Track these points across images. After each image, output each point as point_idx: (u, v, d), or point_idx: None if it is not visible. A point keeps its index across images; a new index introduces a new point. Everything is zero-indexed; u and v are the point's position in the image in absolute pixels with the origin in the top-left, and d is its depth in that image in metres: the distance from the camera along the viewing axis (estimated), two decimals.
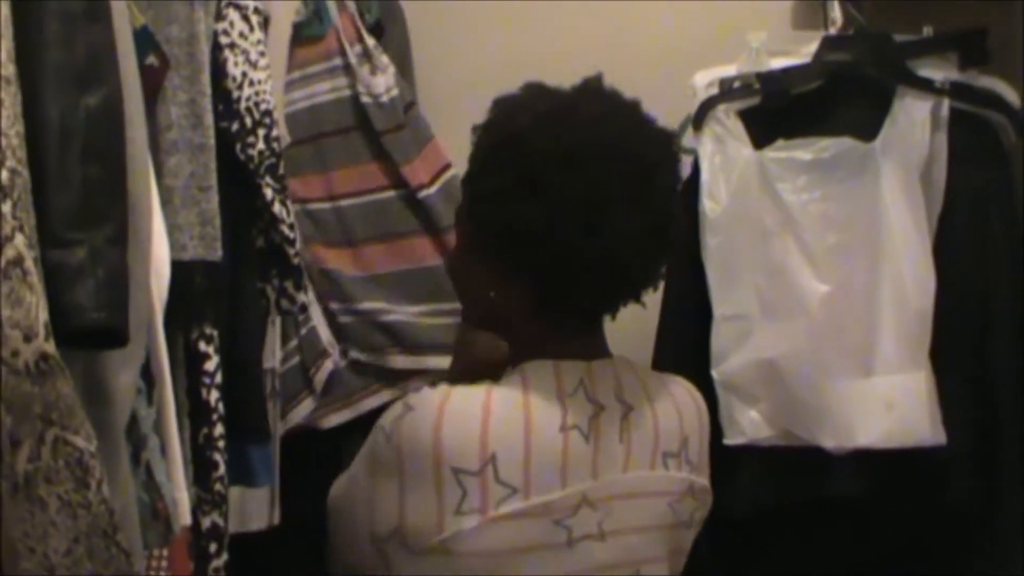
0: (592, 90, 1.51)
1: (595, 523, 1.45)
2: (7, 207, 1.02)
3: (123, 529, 1.11)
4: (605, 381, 1.49)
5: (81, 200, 1.10)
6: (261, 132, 1.66)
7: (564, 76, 2.43)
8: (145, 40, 1.40)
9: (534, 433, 1.41)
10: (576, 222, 1.39)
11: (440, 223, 2.10)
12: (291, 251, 1.69)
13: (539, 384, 1.44)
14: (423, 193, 2.10)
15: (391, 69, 2.10)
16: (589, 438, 1.44)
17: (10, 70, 1.05)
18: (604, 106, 1.48)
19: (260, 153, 1.65)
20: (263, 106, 1.65)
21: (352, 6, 2.13)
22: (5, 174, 1.02)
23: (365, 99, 2.10)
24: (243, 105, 1.63)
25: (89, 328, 1.09)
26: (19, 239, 1.02)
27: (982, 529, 1.96)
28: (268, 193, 1.66)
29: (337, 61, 2.10)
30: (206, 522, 1.57)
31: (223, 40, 1.60)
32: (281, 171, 1.68)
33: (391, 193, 2.11)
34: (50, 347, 1.04)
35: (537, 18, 2.53)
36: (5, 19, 1.05)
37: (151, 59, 1.41)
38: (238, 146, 1.64)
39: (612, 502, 1.46)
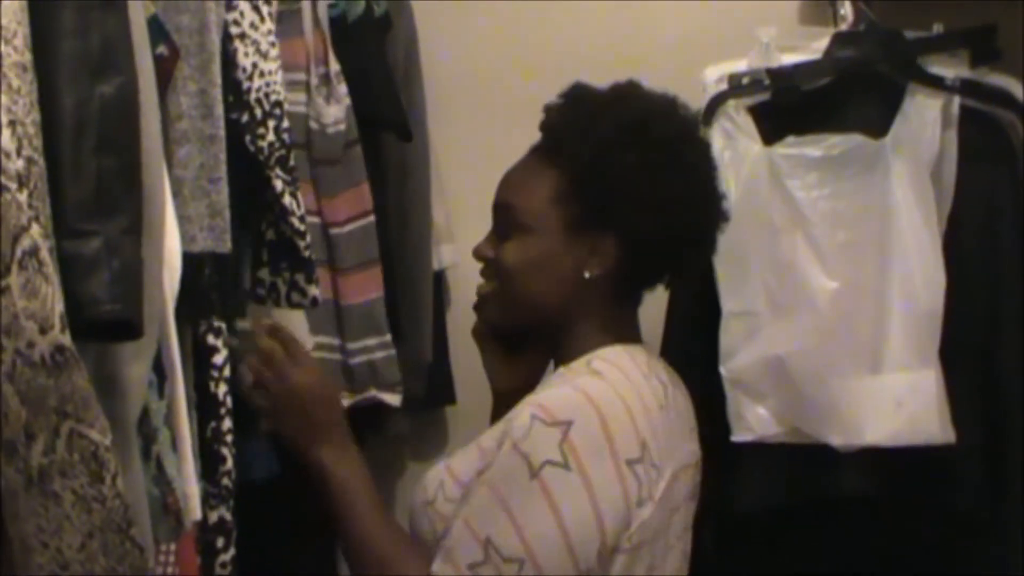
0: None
1: (680, 496, 1.55)
2: (23, 196, 1.00)
3: (136, 524, 1.10)
4: (656, 361, 1.61)
5: (96, 191, 1.09)
6: (271, 124, 1.64)
7: (573, 70, 2.42)
8: (156, 30, 1.38)
9: (651, 414, 1.50)
10: (702, 194, 1.59)
11: (340, 263, 2.08)
12: (302, 244, 1.67)
13: (629, 368, 1.53)
14: (333, 231, 2.07)
15: (345, 102, 2.06)
16: (668, 414, 1.55)
17: (26, 57, 1.03)
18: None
19: (270, 145, 1.63)
20: (273, 97, 1.64)
21: (325, 23, 2.09)
22: (21, 163, 1.01)
23: (312, 124, 2.05)
24: (253, 96, 1.61)
25: (103, 320, 1.08)
26: (35, 229, 1.01)
27: (989, 528, 1.95)
28: (278, 185, 1.64)
29: (300, 75, 2.04)
30: (213, 516, 1.56)
31: (233, 30, 1.59)
32: (291, 163, 1.67)
33: (314, 220, 2.06)
34: (66, 339, 1.03)
35: (546, 14, 2.52)
36: (21, 6, 1.04)
37: (161, 49, 1.40)
38: (247, 137, 1.62)
39: (681, 473, 1.55)
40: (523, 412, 1.45)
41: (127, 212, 1.12)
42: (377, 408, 2.20)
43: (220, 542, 1.57)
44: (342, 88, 2.08)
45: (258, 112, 1.62)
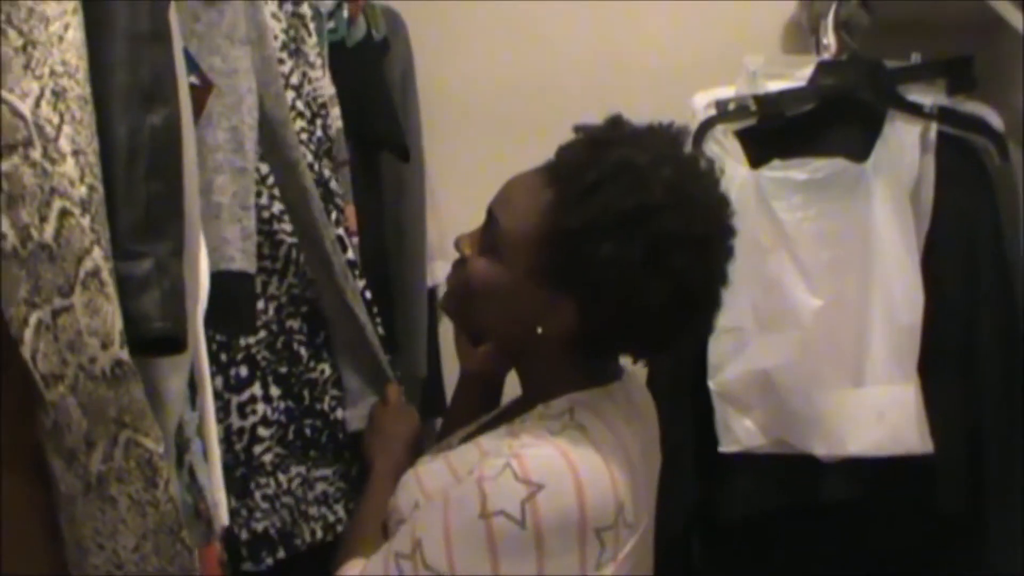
0: (698, 159, 1.53)
1: (647, 528, 1.50)
2: (86, 221, 1.07)
3: (186, 527, 1.16)
4: (632, 394, 1.56)
5: (146, 214, 1.14)
6: (319, 121, 1.84)
7: (565, 94, 2.50)
8: (187, 62, 1.45)
9: (634, 468, 1.45)
10: (680, 303, 1.42)
11: None
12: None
13: (612, 416, 1.47)
14: None
15: (337, 124, 2.07)
16: (645, 454, 1.50)
17: (87, 90, 1.10)
18: (716, 183, 1.51)
19: (318, 140, 1.83)
20: (320, 100, 1.84)
21: (325, 48, 2.12)
22: (85, 190, 1.07)
23: None
24: (303, 102, 1.79)
25: (154, 336, 1.14)
26: (97, 251, 1.07)
27: (969, 535, 2.02)
28: (326, 172, 1.82)
29: None
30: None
31: (291, 47, 1.78)
32: (334, 153, 1.88)
33: None
34: (124, 354, 1.09)
35: (537, 38, 2.60)
36: (81, 41, 1.11)
37: (192, 79, 1.47)
38: (303, 136, 1.80)
39: (651, 502, 1.53)
40: (500, 456, 1.39)
41: (173, 234, 1.18)
42: None
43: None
44: (335, 111, 2.15)
45: (307, 114, 1.80)
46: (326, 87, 1.88)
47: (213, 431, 1.41)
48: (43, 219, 1.05)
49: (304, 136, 1.79)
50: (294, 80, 1.78)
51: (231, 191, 1.56)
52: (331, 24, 2.15)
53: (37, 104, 1.06)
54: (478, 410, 1.73)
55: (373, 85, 2.24)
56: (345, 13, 2.15)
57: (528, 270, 1.47)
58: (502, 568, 1.34)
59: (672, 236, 1.39)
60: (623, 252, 1.38)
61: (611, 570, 1.40)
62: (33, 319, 1.06)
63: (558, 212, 1.44)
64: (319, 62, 1.83)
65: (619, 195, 1.40)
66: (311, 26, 1.82)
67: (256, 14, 1.67)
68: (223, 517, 1.42)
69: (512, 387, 1.74)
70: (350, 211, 2.11)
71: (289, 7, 1.81)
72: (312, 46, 1.82)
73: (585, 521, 1.36)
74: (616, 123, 1.51)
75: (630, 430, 1.48)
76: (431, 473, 1.52)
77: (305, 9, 1.84)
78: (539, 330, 1.47)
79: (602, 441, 1.43)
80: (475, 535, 1.35)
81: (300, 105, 1.79)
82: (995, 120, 2.08)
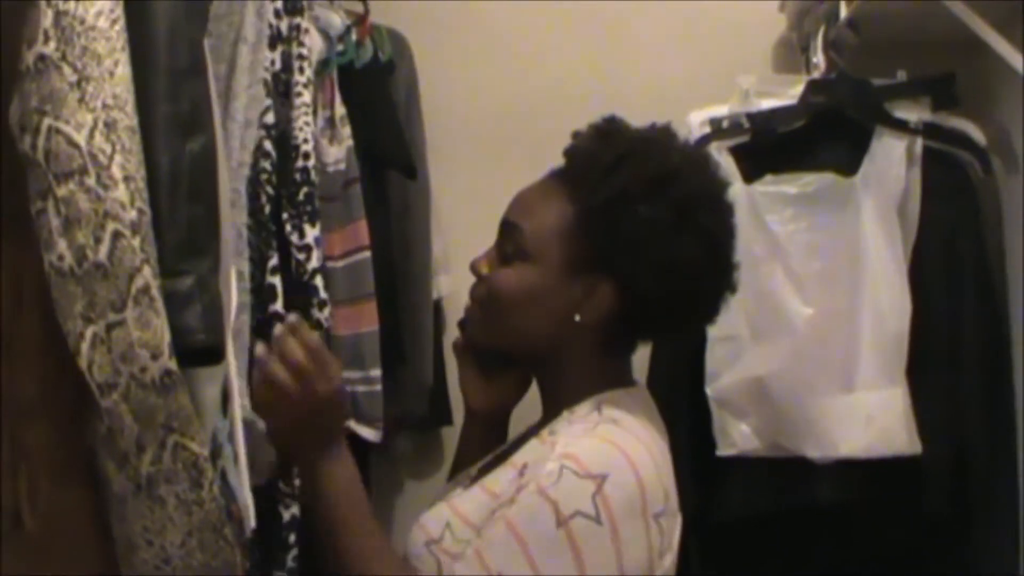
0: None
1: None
2: (137, 242, 1.16)
3: (228, 524, 1.25)
4: (647, 397, 1.63)
5: (188, 235, 1.23)
6: (289, 165, 1.86)
7: (562, 113, 2.55)
8: None
9: (667, 460, 1.52)
10: (711, 261, 1.54)
11: (332, 295, 2.08)
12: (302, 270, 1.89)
13: (641, 413, 1.53)
14: (328, 264, 2.11)
15: (347, 143, 2.16)
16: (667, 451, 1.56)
17: (135, 121, 1.18)
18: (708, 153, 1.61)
19: (289, 182, 1.85)
20: (292, 141, 1.86)
21: (334, 70, 2.20)
22: (135, 213, 1.16)
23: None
24: (272, 142, 1.79)
25: (197, 347, 1.23)
26: (147, 270, 1.16)
27: (957, 536, 2.10)
28: (283, 215, 1.86)
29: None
30: (287, 515, 1.74)
31: (272, 86, 1.79)
32: (301, 198, 1.87)
33: None
34: (173, 364, 1.17)
35: (536, 60, 2.66)
36: (129, 76, 1.19)
37: None
38: (263, 176, 1.79)
39: None
40: (549, 462, 1.41)
41: (212, 253, 1.27)
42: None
43: (292, 538, 1.74)
44: (345, 131, 2.19)
45: (275, 154, 1.80)
46: (307, 127, 1.90)
47: (241, 437, 1.49)
48: (97, 240, 1.14)
49: (263, 176, 1.78)
50: (268, 120, 1.78)
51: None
52: (340, 47, 2.23)
53: (91, 135, 1.15)
54: (486, 449, 1.73)
55: (379, 106, 2.30)
56: (353, 36, 2.24)
57: (562, 262, 1.53)
58: (587, 567, 1.36)
59: (697, 195, 1.51)
60: (656, 215, 1.47)
61: (669, 559, 1.46)
62: (89, 333, 1.15)
63: (584, 196, 1.52)
64: (298, 101, 1.86)
65: (642, 164, 1.50)
66: (296, 64, 1.85)
67: (258, 21, 1.71)
68: (252, 519, 1.50)
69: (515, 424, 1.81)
70: (362, 227, 2.19)
71: (280, 48, 1.83)
72: (293, 84, 1.85)
73: (646, 505, 1.40)
74: (613, 119, 1.62)
75: (656, 426, 1.55)
76: (466, 499, 1.53)
77: (295, 48, 1.86)
78: (577, 318, 1.52)
79: (638, 432, 1.48)
80: (558, 545, 1.36)
81: (267, 146, 1.78)
82: (977, 135, 2.16)
